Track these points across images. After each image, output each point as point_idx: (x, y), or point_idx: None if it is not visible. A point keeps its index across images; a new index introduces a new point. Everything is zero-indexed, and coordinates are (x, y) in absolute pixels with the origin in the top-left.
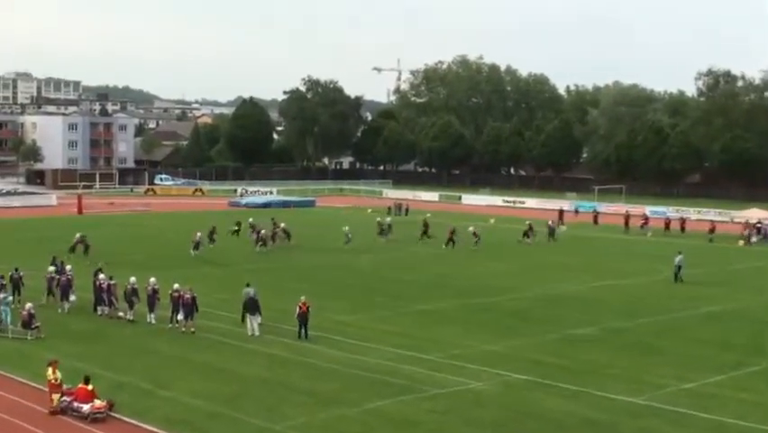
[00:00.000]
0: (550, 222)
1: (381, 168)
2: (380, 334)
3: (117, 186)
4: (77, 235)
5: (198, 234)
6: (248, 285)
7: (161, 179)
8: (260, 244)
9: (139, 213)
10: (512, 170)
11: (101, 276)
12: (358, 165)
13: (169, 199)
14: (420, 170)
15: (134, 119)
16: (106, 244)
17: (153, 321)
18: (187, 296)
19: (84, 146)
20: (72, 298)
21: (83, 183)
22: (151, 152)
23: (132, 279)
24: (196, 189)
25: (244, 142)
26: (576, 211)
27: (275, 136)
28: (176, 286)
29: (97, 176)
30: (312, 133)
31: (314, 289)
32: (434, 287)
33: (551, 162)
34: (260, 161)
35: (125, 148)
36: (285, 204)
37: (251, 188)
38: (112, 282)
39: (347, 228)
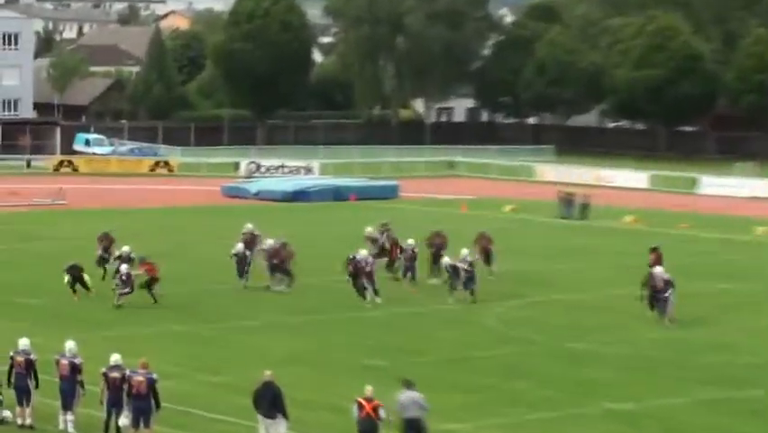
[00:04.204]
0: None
1: (531, 121)
2: None
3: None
4: None
5: (240, 245)
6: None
7: (88, 142)
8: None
9: (42, 209)
10: None
11: None
12: (486, 116)
13: (102, 182)
14: (611, 125)
15: (35, 21)
16: None
17: (70, 429)
18: (139, 378)
19: None
20: None
21: None
22: (69, 89)
23: (24, 342)
24: (157, 163)
25: (256, 69)
26: None
27: (317, 58)
28: (115, 359)
29: None
30: (392, 52)
31: (397, 367)
32: (642, 363)
33: None
34: (288, 106)
35: (16, 80)
36: (337, 193)
37: (267, 162)
38: None
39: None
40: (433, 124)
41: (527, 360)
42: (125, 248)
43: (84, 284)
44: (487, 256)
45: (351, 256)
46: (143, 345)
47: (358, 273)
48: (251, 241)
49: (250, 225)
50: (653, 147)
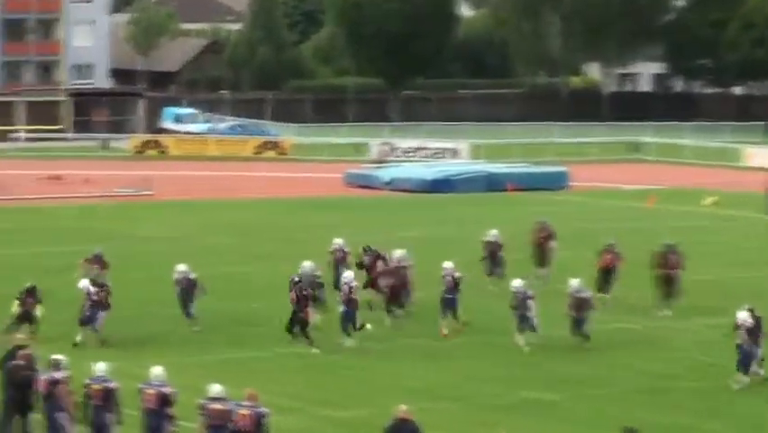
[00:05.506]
0: None
1: (736, 91)
2: None
3: (71, 133)
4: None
5: (307, 264)
6: None
7: (179, 118)
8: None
9: (122, 201)
10: None
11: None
12: (679, 85)
13: (196, 168)
14: None
15: None
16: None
17: None
18: (244, 412)
19: None
20: None
21: None
22: (154, 52)
23: (101, 367)
24: (265, 144)
25: (388, 27)
26: None
27: (463, 11)
28: (216, 390)
29: (23, 109)
30: (559, 3)
31: (568, 402)
32: None
33: None
34: (428, 73)
35: (89, 41)
36: (491, 182)
37: (403, 143)
38: (60, 377)
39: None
40: (611, 95)
41: (734, 394)
42: (181, 267)
43: (32, 319)
44: (607, 276)
45: (293, 279)
46: (250, 373)
47: (300, 302)
48: (341, 260)
49: (339, 241)
50: None
